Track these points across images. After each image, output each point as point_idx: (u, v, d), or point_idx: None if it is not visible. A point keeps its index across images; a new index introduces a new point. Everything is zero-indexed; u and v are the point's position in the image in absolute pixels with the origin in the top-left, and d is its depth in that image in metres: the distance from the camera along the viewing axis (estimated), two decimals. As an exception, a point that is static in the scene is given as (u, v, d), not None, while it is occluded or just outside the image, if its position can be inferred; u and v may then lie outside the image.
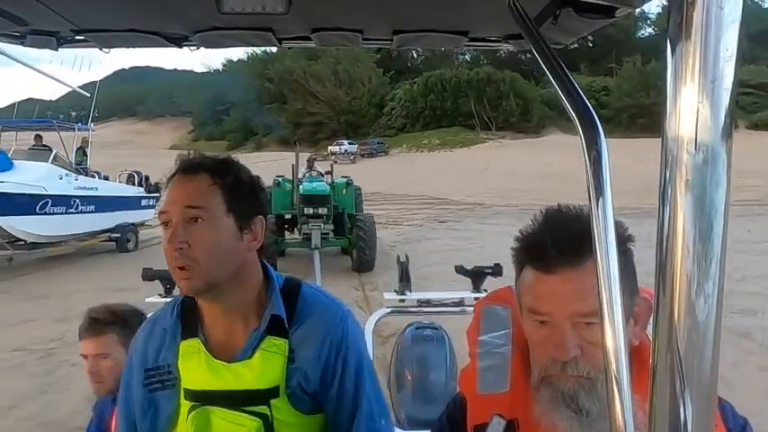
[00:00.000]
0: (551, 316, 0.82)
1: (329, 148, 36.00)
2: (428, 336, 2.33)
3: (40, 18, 1.18)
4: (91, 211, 10.49)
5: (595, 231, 0.57)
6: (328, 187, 9.89)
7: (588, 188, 0.59)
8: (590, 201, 0.59)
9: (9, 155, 9.94)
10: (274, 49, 64.42)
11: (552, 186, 18.36)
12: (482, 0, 1.10)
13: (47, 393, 4.44)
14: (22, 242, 9.44)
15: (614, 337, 0.51)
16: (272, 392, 1.17)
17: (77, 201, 10.22)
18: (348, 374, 1.21)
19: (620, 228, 0.82)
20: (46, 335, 5.77)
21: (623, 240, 0.83)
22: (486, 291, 2.15)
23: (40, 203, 9.40)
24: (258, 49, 66.72)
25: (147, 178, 13.21)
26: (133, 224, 11.51)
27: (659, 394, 0.40)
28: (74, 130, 12.24)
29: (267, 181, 11.23)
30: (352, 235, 9.23)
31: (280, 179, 10.54)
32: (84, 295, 6.88)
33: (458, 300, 2.16)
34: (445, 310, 2.18)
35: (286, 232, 9.95)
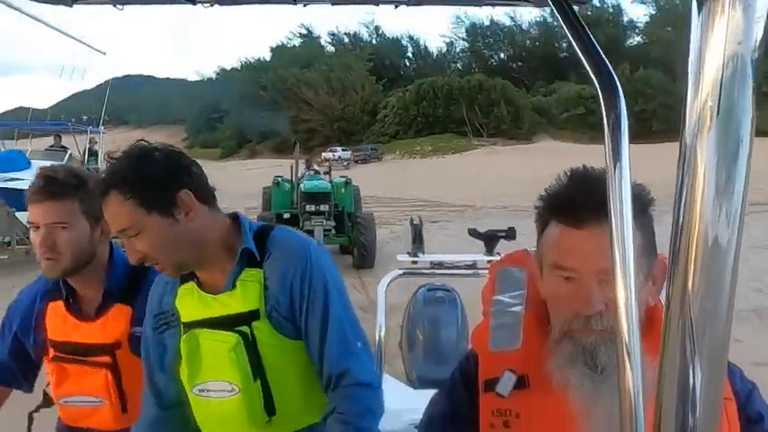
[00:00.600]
0: (577, 271, 0.83)
1: (323, 154, 36.31)
2: (440, 297, 2.35)
3: None
4: None
5: (611, 193, 0.57)
6: (329, 185, 10.03)
7: (605, 150, 0.59)
8: (606, 163, 0.58)
9: (27, 155, 10.78)
10: (268, 57, 64.97)
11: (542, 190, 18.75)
12: None
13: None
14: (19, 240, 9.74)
15: (626, 297, 0.52)
16: (252, 315, 1.29)
17: None
18: (315, 298, 1.29)
19: (642, 191, 0.85)
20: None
21: (645, 204, 0.86)
22: (499, 254, 2.13)
23: None
24: (251, 58, 67.15)
25: None
26: None
27: (669, 357, 0.41)
28: (86, 132, 13.21)
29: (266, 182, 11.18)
30: (352, 233, 9.37)
31: (279, 179, 10.74)
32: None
33: (471, 262, 2.15)
34: (458, 272, 2.17)
35: (304, 223, 9.79)
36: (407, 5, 1.33)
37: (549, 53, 50.87)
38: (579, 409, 0.85)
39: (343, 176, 11.34)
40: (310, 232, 9.01)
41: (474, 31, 56.33)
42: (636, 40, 46.05)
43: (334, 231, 9.57)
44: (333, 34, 64.62)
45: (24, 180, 9.16)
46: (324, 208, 9.48)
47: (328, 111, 50.32)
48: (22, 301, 1.61)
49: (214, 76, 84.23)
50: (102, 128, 14.00)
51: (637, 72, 37.36)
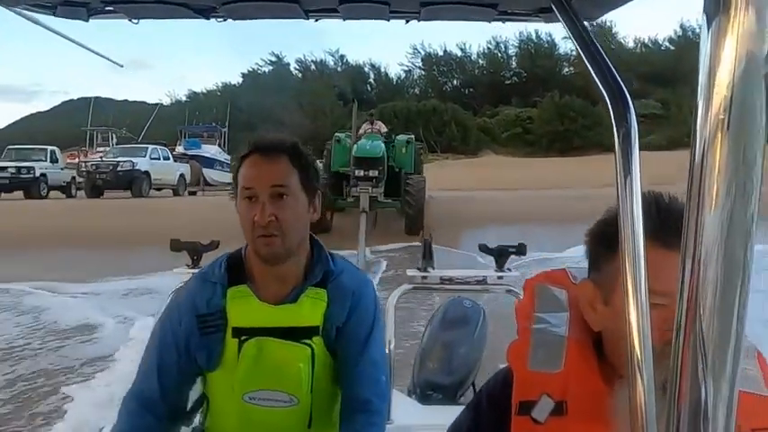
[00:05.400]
0: (671, 297, 0.70)
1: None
2: (466, 308, 2.37)
3: None
4: (227, 171, 20.32)
5: (621, 207, 0.55)
6: (382, 148, 10.00)
7: (616, 164, 0.57)
8: (617, 176, 0.57)
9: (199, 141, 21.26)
10: (240, 80, 69.41)
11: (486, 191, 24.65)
12: None
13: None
14: (207, 184, 20.38)
15: (639, 316, 0.50)
16: (314, 330, 1.36)
17: (226, 165, 20.04)
18: (363, 327, 1.39)
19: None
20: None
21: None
22: (509, 270, 2.11)
23: (215, 163, 20.37)
24: (223, 82, 71.90)
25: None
26: None
27: (681, 376, 0.39)
28: (218, 131, 24.64)
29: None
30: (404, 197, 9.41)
31: (341, 135, 11.05)
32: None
33: (481, 278, 2.13)
34: (468, 288, 2.17)
35: (345, 189, 10.15)
36: (418, 20, 1.28)
37: (496, 81, 57.83)
38: None
39: (408, 134, 11.32)
40: (357, 198, 9.23)
41: (429, 60, 62.73)
42: (568, 70, 53.33)
43: (382, 196, 9.63)
44: (300, 61, 70.10)
45: (205, 153, 20.71)
46: (373, 173, 9.42)
47: (301, 131, 55.93)
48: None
49: (184, 98, 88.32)
50: (226, 127, 26.86)
51: (563, 98, 44.40)
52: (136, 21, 1.28)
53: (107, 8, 1.27)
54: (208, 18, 1.29)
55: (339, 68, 68.47)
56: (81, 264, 9.75)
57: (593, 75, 0.67)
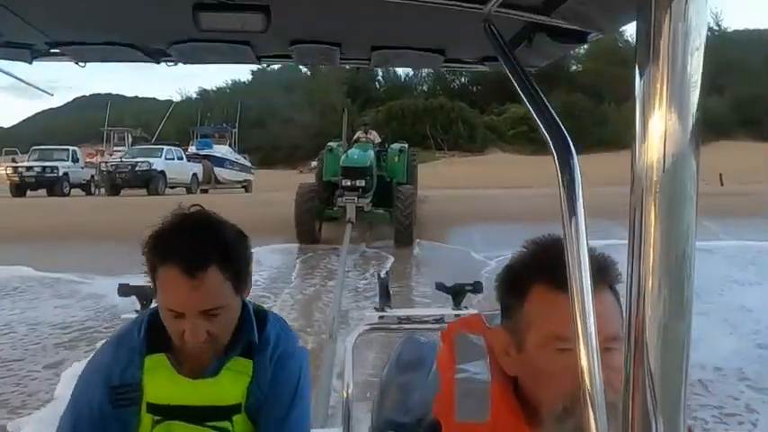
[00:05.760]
0: (606, 338, 0.76)
1: (312, 162, 42.61)
2: (421, 346, 2.18)
3: (14, 30, 1.14)
4: (237, 170, 22.97)
5: (568, 249, 0.56)
6: (371, 158, 9.83)
7: (561, 208, 0.59)
8: (563, 220, 0.58)
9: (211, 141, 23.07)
10: (250, 77, 70.23)
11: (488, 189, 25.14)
12: (458, 21, 1.08)
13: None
14: (218, 182, 22.61)
15: (588, 357, 0.51)
16: (235, 409, 1.25)
17: (236, 164, 22.48)
18: (284, 398, 1.29)
19: (611, 263, 0.86)
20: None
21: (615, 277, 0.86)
22: (466, 308, 2.15)
23: (225, 162, 22.01)
24: (233, 80, 72.74)
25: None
26: (248, 180, 25.56)
27: (632, 412, 0.41)
28: (228, 131, 26.24)
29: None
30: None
31: (333, 144, 10.85)
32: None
33: (438, 316, 2.13)
34: (426, 327, 2.13)
35: (338, 199, 9.84)
36: (368, 66, 1.36)
37: (503, 79, 58.23)
38: None
39: (402, 143, 11.31)
40: (343, 208, 9.13)
41: (437, 58, 63.16)
42: (575, 68, 53.62)
43: (371, 206, 9.46)
44: (311, 59, 70.50)
45: (216, 152, 22.47)
46: (360, 183, 9.29)
47: (310, 129, 56.58)
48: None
49: (194, 95, 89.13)
50: (236, 127, 29.72)
51: (570, 96, 44.84)
52: (83, 64, 1.25)
53: (52, 51, 1.23)
54: (158, 62, 1.26)
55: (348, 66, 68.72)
56: (116, 255, 10.56)
57: (538, 122, 0.70)
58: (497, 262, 8.95)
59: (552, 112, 0.70)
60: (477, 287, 2.18)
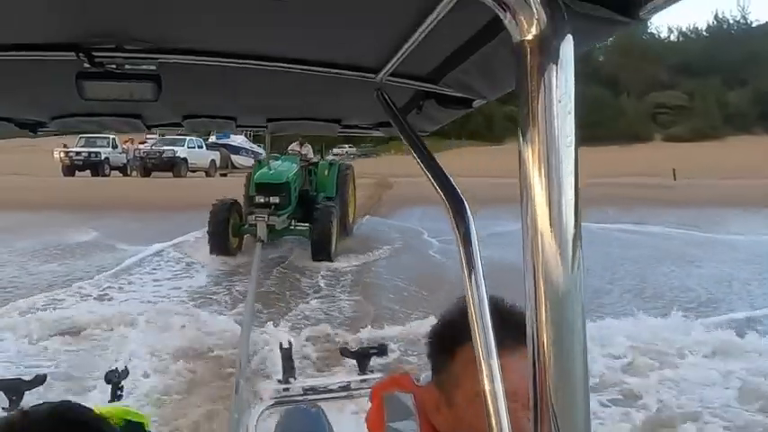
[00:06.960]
0: (516, 396, 0.72)
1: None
2: (304, 418, 2.12)
3: None
4: (251, 157, 24.41)
5: (470, 301, 0.58)
6: (288, 174, 9.31)
7: (461, 264, 0.61)
8: (463, 275, 0.60)
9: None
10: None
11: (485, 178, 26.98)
12: (352, 91, 1.10)
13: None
14: (234, 167, 25.44)
15: (496, 413, 0.54)
16: None
17: (250, 152, 25.21)
18: None
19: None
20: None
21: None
22: (371, 371, 2.10)
23: (241, 150, 25.89)
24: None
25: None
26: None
27: None
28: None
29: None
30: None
31: (260, 160, 10.70)
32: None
33: (344, 384, 2.12)
34: (331, 396, 2.11)
35: (247, 217, 9.32)
36: (266, 134, 3.17)
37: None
38: None
39: (334, 158, 11.57)
40: (254, 226, 8.59)
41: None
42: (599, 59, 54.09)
43: (291, 222, 9.06)
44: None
45: (233, 141, 26.54)
46: (274, 200, 8.85)
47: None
48: None
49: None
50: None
51: (588, 88, 45.65)
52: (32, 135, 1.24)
53: None
54: (35, 133, 1.27)
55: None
56: (157, 222, 13.17)
57: (433, 184, 0.71)
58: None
59: (445, 172, 0.73)
60: (382, 349, 2.15)
